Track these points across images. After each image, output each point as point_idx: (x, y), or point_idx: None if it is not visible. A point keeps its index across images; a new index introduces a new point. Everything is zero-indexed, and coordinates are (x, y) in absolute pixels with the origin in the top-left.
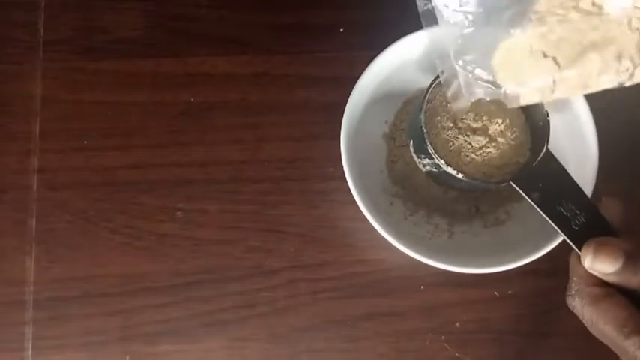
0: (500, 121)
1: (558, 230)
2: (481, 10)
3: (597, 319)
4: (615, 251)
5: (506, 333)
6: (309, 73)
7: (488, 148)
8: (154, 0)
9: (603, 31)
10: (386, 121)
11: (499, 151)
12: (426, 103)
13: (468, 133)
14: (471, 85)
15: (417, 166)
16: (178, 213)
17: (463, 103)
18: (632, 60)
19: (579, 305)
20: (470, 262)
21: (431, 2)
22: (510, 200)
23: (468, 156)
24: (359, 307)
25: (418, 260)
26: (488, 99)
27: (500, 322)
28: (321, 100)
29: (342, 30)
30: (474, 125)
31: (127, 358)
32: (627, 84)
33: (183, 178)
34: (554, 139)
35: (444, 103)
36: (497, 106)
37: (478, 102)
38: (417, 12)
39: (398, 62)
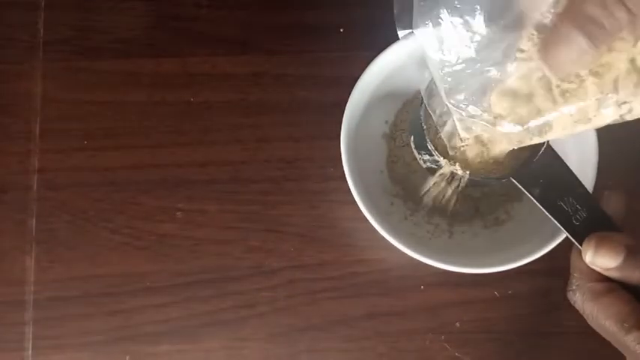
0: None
1: (559, 226)
2: (470, 48)
3: (598, 315)
4: (616, 246)
5: (506, 333)
6: (309, 73)
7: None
8: (154, 0)
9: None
10: (386, 121)
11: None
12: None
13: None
14: (465, 122)
15: (418, 167)
16: (178, 213)
17: (459, 143)
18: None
19: (580, 300)
20: (470, 262)
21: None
22: (510, 200)
23: (467, 152)
24: (359, 307)
25: (418, 260)
26: (485, 135)
27: (500, 322)
28: (321, 100)
29: (342, 30)
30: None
31: (127, 358)
32: (628, 118)
33: (183, 178)
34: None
35: None
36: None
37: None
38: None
39: (398, 62)
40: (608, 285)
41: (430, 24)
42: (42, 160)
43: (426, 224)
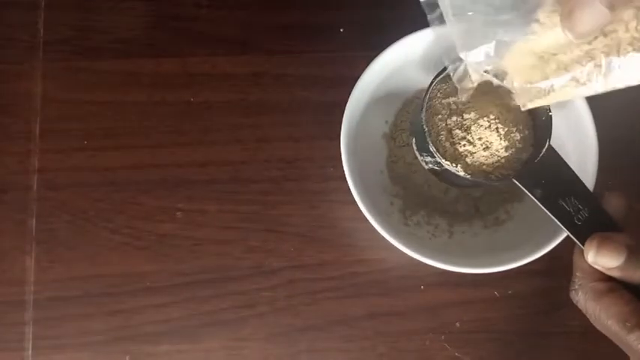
0: (502, 117)
1: (561, 226)
2: (490, 8)
3: (600, 314)
4: (618, 246)
5: (506, 333)
6: (309, 73)
7: (491, 145)
8: (154, 0)
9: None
10: (386, 121)
11: (502, 147)
12: (427, 100)
13: (470, 131)
14: (476, 67)
15: (418, 167)
16: (178, 213)
17: (469, 84)
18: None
19: (583, 300)
20: (470, 262)
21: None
22: (510, 200)
23: (469, 153)
24: (359, 307)
25: (418, 260)
26: (495, 80)
27: (500, 322)
28: (321, 100)
29: (342, 30)
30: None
31: (127, 358)
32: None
33: (183, 178)
34: (554, 134)
35: (444, 100)
36: (499, 103)
37: (480, 99)
38: (418, 12)
39: (398, 62)
40: (610, 284)
41: None
42: (42, 160)
43: (425, 224)
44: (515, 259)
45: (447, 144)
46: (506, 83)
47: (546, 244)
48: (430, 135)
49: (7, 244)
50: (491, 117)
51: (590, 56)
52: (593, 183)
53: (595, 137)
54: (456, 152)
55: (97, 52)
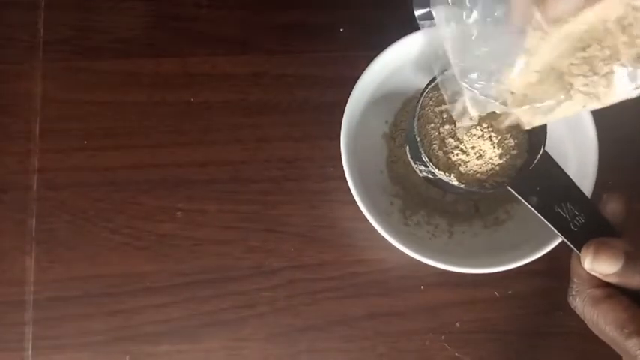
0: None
1: (557, 233)
2: (487, 26)
3: (598, 320)
4: (615, 252)
5: (506, 333)
6: (309, 73)
7: (484, 153)
8: (154, 0)
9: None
10: (386, 121)
11: (496, 155)
12: (419, 109)
13: (463, 139)
14: (478, 101)
15: None
16: (178, 213)
17: (469, 122)
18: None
19: (580, 306)
20: (470, 262)
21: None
22: (510, 200)
23: (462, 162)
24: (359, 307)
25: (418, 260)
26: (499, 112)
27: (500, 322)
28: (321, 100)
29: (342, 30)
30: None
31: (127, 358)
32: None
33: (183, 178)
34: (553, 136)
35: (437, 108)
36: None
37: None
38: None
39: (398, 62)
40: (608, 290)
41: (449, 1)
42: (42, 160)
43: (425, 224)
44: (515, 259)
45: (440, 153)
46: (509, 107)
47: (546, 244)
48: (423, 145)
49: (7, 244)
50: (484, 125)
51: (591, 68)
52: (593, 183)
53: (595, 137)
54: (449, 161)
55: (97, 52)
